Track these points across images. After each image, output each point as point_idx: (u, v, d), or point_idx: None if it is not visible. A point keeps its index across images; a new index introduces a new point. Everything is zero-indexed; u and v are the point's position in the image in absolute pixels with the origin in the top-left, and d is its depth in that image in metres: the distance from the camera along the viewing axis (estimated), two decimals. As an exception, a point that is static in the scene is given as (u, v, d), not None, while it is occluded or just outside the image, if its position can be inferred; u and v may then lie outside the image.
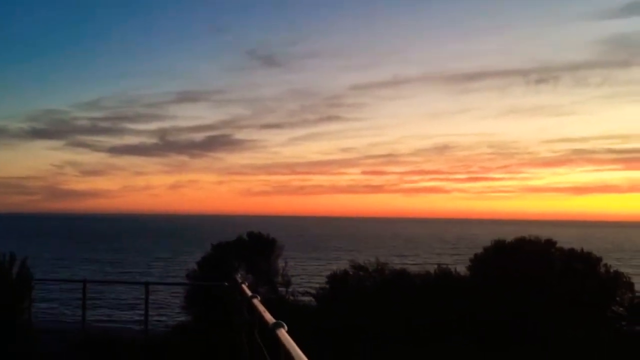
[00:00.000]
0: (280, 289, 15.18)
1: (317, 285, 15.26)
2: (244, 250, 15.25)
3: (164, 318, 19.26)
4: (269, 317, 4.20)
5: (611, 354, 11.02)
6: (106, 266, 50.52)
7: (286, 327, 3.48)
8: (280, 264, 15.57)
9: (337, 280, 13.10)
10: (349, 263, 14.00)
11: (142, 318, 13.17)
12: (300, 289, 15.62)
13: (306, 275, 33.71)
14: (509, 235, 13.59)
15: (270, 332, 3.62)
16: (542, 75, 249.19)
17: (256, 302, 5.53)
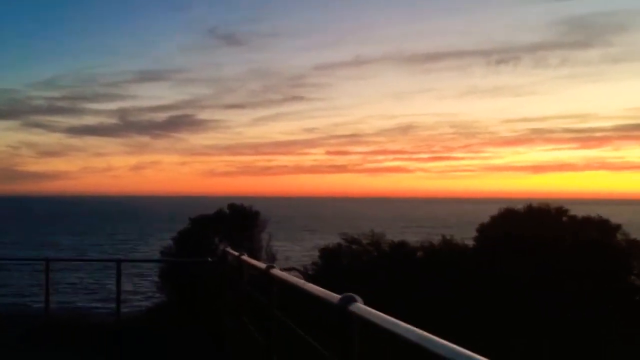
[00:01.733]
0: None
1: (304, 261, 14.14)
2: (224, 224, 13.98)
3: (137, 298, 17.79)
4: (322, 291, 3.02)
5: (628, 327, 10.24)
6: (68, 250, 48.36)
7: (361, 300, 2.49)
8: (264, 238, 14.38)
9: (330, 254, 11.96)
10: (340, 237, 12.87)
11: (114, 300, 11.78)
12: (286, 266, 14.42)
13: (290, 252, 32.54)
14: (471, 214, 12.69)
15: (338, 309, 2.52)
16: (502, 55, 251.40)
17: (285, 274, 4.35)
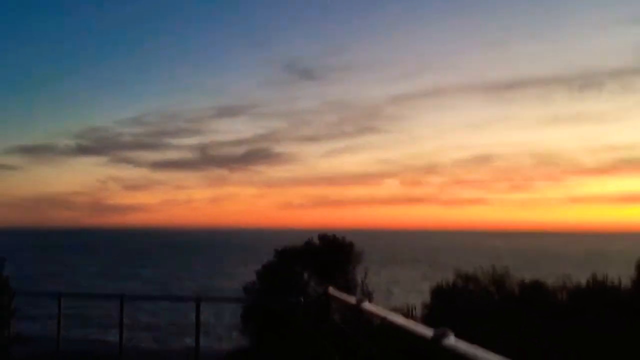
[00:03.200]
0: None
1: (407, 300, 12.08)
2: (314, 257, 12.24)
3: (216, 342, 16.24)
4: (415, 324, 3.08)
5: None
6: (149, 283, 48.34)
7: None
8: (359, 273, 12.47)
9: (444, 294, 9.89)
10: (454, 273, 10.75)
11: (192, 343, 10.19)
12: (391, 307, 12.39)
13: (384, 290, 30.29)
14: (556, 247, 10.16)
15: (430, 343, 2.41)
16: (586, 81, 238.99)
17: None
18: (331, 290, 6.31)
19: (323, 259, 12.20)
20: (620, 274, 9.68)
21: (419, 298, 11.30)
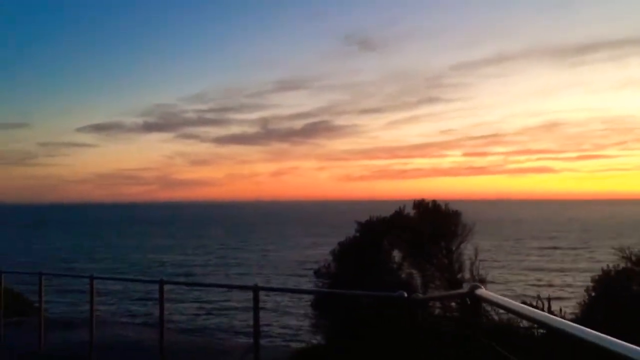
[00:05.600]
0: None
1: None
2: (406, 230, 9.25)
3: (278, 339, 13.55)
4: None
5: None
6: (214, 255, 47.05)
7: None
8: (467, 251, 9.40)
9: (608, 280, 6.70)
10: (616, 254, 7.47)
11: (251, 338, 7.49)
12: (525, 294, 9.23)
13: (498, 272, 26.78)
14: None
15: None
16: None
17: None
18: (482, 292, 3.39)
19: (419, 234, 9.19)
20: None
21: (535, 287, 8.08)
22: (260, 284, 7.24)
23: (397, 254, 9.26)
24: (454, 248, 9.33)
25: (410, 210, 9.52)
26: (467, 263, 9.39)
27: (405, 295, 5.81)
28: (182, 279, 28.00)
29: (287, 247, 52.53)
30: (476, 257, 9.33)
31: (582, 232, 67.94)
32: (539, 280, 27.19)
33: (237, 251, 49.97)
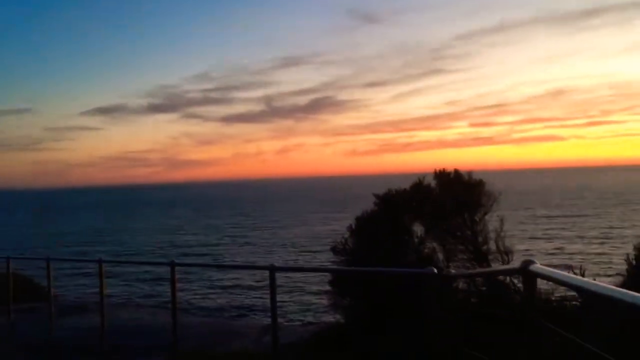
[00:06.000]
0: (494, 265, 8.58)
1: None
2: (427, 203, 8.79)
3: (298, 317, 13.17)
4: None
5: None
6: (227, 234, 46.88)
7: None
8: (492, 222, 8.94)
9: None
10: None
11: (269, 318, 7.10)
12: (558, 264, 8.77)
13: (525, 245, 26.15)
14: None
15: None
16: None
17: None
18: (537, 267, 2.96)
19: (440, 205, 8.72)
20: None
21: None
22: (276, 264, 6.85)
23: (418, 228, 8.81)
24: (478, 219, 8.87)
25: (430, 181, 9.04)
26: (492, 234, 8.94)
27: (435, 271, 5.37)
28: (193, 260, 27.77)
29: (297, 224, 52.30)
30: (501, 227, 8.87)
31: (594, 200, 67.27)
32: (559, 249, 26.81)
33: (247, 230, 49.78)
